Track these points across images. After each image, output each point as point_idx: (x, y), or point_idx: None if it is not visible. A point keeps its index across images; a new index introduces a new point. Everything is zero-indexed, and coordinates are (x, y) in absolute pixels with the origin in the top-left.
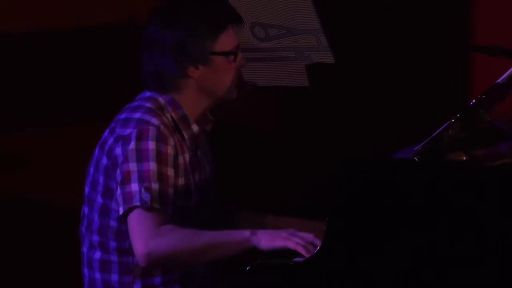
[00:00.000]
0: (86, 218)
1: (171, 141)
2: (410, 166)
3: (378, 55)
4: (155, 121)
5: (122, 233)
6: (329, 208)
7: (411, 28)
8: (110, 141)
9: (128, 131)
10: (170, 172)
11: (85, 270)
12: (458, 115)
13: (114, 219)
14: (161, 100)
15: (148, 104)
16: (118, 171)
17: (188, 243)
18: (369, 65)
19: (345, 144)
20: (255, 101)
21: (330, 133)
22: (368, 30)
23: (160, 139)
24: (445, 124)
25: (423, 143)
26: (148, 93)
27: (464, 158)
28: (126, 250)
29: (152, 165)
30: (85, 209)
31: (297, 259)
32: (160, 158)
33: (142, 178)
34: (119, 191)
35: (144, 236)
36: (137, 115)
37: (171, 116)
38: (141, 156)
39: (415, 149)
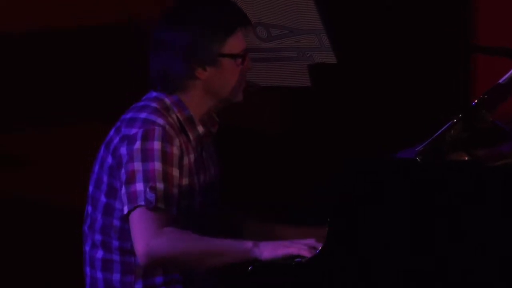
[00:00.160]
0: (89, 217)
1: (176, 142)
2: (413, 166)
3: (381, 55)
4: (160, 121)
5: (125, 233)
6: (332, 208)
7: (414, 28)
8: (116, 140)
9: (133, 131)
10: (175, 172)
11: (87, 269)
12: (460, 115)
13: (117, 218)
14: (167, 100)
15: (154, 104)
16: (123, 171)
17: (189, 247)
18: (372, 65)
19: (347, 145)
20: (258, 101)
21: (332, 133)
22: (370, 30)
23: (166, 139)
24: (447, 124)
25: (425, 143)
26: (154, 94)
27: (466, 158)
28: (128, 250)
29: (158, 165)
30: (89, 208)
31: (298, 259)
32: (166, 158)
33: (147, 177)
34: (123, 190)
35: (146, 235)
36: (143, 115)
37: (177, 117)
38: (146, 156)
39: (417, 149)
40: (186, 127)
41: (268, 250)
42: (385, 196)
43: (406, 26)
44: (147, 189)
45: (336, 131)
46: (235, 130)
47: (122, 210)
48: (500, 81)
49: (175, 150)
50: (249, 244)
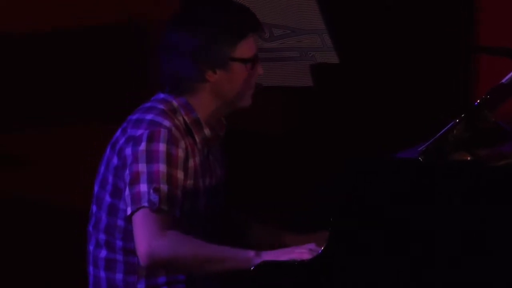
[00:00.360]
0: (94, 216)
1: (182, 144)
2: (415, 166)
3: (383, 55)
4: (167, 123)
5: (129, 233)
6: (334, 208)
7: (415, 28)
8: (121, 141)
9: (139, 132)
10: (180, 174)
11: (90, 268)
12: (463, 115)
13: (121, 218)
14: (175, 102)
15: (161, 106)
16: (127, 171)
17: (191, 252)
18: (374, 65)
19: (349, 145)
20: (260, 101)
21: (335, 133)
22: (372, 30)
23: (171, 141)
24: (450, 124)
25: (427, 143)
26: (162, 95)
27: (468, 158)
28: (132, 250)
29: (162, 167)
30: (94, 208)
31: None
32: (170, 160)
33: (151, 179)
34: (127, 191)
35: (148, 236)
36: (150, 116)
37: (184, 119)
38: (151, 158)
39: (419, 149)
40: (193, 130)
41: (270, 259)
42: (387, 196)
43: (408, 26)
44: (151, 191)
45: (338, 131)
46: (236, 130)
47: (126, 210)
48: (503, 81)
49: (180, 153)
50: (251, 253)
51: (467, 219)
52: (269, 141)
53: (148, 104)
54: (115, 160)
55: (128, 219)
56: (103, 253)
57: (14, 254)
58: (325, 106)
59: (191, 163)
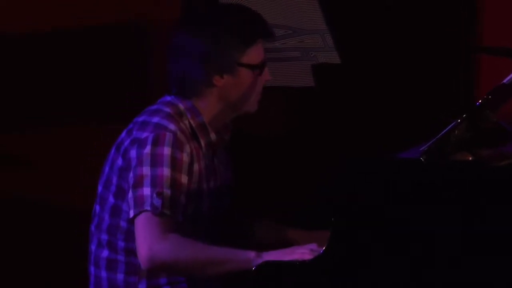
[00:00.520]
0: (97, 216)
1: (187, 148)
2: (416, 166)
3: (384, 55)
4: (172, 127)
5: (131, 234)
6: (335, 208)
7: (417, 28)
8: (127, 142)
9: (145, 134)
10: (184, 179)
11: (92, 268)
12: (464, 116)
13: (124, 219)
14: (181, 106)
15: (168, 109)
16: (131, 174)
17: (192, 255)
18: (375, 65)
19: (350, 144)
20: (261, 101)
21: (336, 133)
22: (374, 31)
23: (176, 145)
24: (451, 125)
25: (429, 143)
26: (168, 98)
27: (470, 158)
28: (133, 251)
29: (166, 171)
30: (97, 208)
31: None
32: (175, 164)
33: (155, 183)
34: (130, 194)
35: (149, 240)
36: (156, 119)
37: (189, 123)
38: (155, 161)
39: (421, 149)
40: (198, 134)
41: (271, 259)
42: (389, 196)
43: (409, 27)
44: (154, 195)
45: (339, 131)
46: (238, 130)
47: (129, 212)
48: (504, 81)
49: (185, 157)
50: (251, 253)
51: (468, 219)
52: (270, 141)
53: (154, 107)
54: (119, 161)
55: (131, 221)
56: (105, 253)
57: (14, 254)
58: (327, 106)
59: (195, 167)
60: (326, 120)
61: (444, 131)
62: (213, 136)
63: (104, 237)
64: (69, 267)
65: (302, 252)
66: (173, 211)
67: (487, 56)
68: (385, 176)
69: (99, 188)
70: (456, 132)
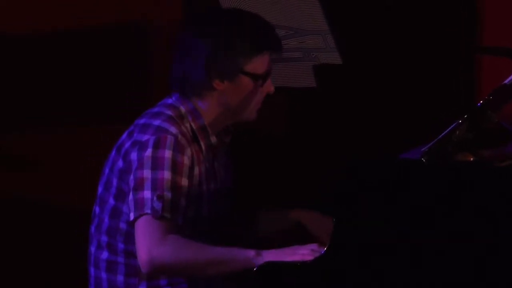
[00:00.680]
0: (97, 217)
1: (188, 152)
2: (418, 167)
3: (386, 56)
4: (173, 130)
5: (131, 236)
6: (337, 209)
7: (418, 29)
8: (127, 144)
9: (146, 137)
10: (184, 182)
11: (92, 270)
12: (466, 116)
13: (124, 221)
14: (183, 109)
15: (169, 112)
16: (132, 177)
17: (192, 256)
18: (377, 66)
19: (352, 145)
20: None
21: (337, 134)
22: (375, 31)
23: (177, 149)
24: (453, 125)
25: (430, 144)
26: (170, 100)
27: (472, 159)
28: (133, 253)
29: (167, 174)
30: (96, 209)
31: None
32: (176, 167)
33: (156, 186)
34: (131, 196)
35: (149, 243)
36: (157, 122)
37: (191, 126)
38: (156, 164)
39: (422, 150)
40: (199, 136)
41: (271, 259)
42: (390, 197)
43: (410, 27)
44: (155, 198)
45: (341, 132)
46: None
47: (129, 215)
48: (506, 81)
49: (186, 160)
50: (251, 252)
51: (469, 219)
52: (271, 141)
53: (155, 109)
54: (120, 163)
55: (131, 224)
56: (104, 254)
57: (14, 254)
58: (328, 107)
59: (196, 170)
60: (327, 120)
61: (446, 131)
62: (213, 139)
63: (104, 238)
64: (69, 268)
65: (303, 253)
66: (173, 215)
67: (488, 57)
68: (386, 177)
69: (99, 189)
70: (458, 132)
